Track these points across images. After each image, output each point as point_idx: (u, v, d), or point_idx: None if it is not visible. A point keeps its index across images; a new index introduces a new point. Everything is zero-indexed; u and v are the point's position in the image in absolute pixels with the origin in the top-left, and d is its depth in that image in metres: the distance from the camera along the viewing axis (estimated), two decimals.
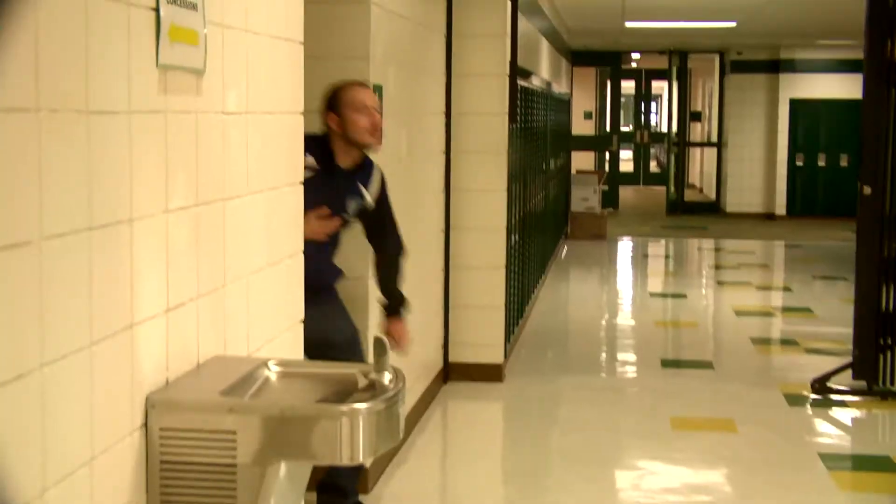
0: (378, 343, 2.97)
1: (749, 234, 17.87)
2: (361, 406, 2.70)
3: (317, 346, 4.53)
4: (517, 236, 8.91)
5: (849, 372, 7.57)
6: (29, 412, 2.13)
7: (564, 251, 15.72)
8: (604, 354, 9.49)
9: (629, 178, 27.44)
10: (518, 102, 8.13)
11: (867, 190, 7.25)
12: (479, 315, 7.88)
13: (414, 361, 6.66)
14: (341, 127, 4.87)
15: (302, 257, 4.01)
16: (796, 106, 20.00)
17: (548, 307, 11.28)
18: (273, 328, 3.71)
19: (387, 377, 2.94)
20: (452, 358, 7.88)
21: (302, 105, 3.97)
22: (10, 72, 2.06)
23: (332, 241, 5.00)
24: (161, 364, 2.74)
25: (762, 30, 16.46)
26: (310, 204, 4.44)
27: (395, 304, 5.27)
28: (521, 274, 9.38)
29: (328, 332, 4.88)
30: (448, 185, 7.71)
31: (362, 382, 2.96)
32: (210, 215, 3.10)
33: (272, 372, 3.01)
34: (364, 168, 5.01)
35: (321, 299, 4.82)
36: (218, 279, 3.17)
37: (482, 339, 7.91)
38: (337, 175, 4.92)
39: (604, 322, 11.11)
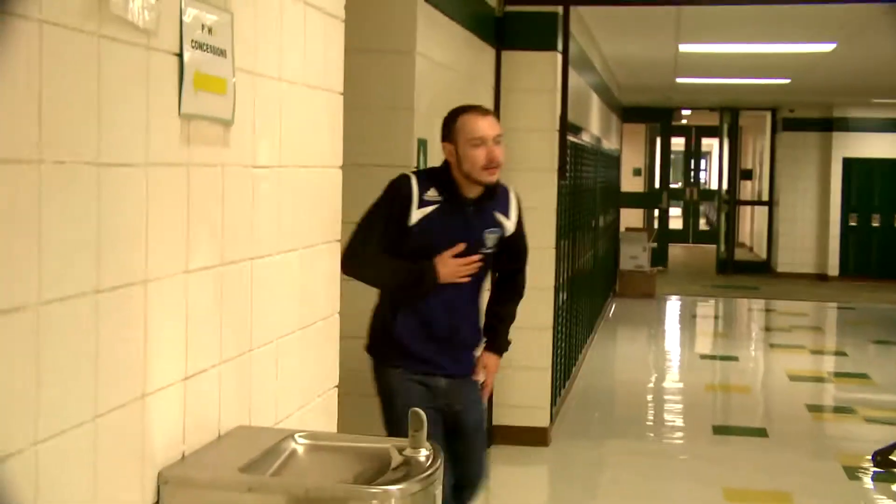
0: (415, 417, 2.74)
1: (801, 296, 17.50)
2: (395, 488, 2.47)
3: (446, 429, 4.48)
4: (565, 295, 8.66)
5: None
6: (19, 494, 1.92)
7: (612, 310, 15.44)
8: (652, 418, 9.19)
9: (678, 236, 27.10)
10: (568, 158, 7.91)
11: None
12: (526, 376, 7.63)
13: None
14: (457, 159, 4.42)
15: (338, 319, 3.80)
16: (849, 165, 19.66)
17: (595, 367, 11.01)
18: (304, 395, 3.49)
19: (423, 454, 2.71)
20: (497, 420, 7.63)
21: (341, 158, 3.78)
22: (7, 119, 1.86)
23: (474, 285, 4.55)
24: (177, 436, 2.52)
25: (815, 87, 16.20)
26: (440, 242, 4.38)
27: (500, 343, 4.82)
28: (568, 334, 9.12)
29: (460, 414, 4.58)
30: None
31: (396, 459, 2.73)
32: (236, 275, 2.89)
33: (299, 445, 2.78)
34: (498, 194, 4.52)
35: (457, 365, 4.58)
36: (244, 343, 2.96)
37: (528, 402, 7.66)
38: (466, 206, 4.44)
39: (652, 384, 10.81)
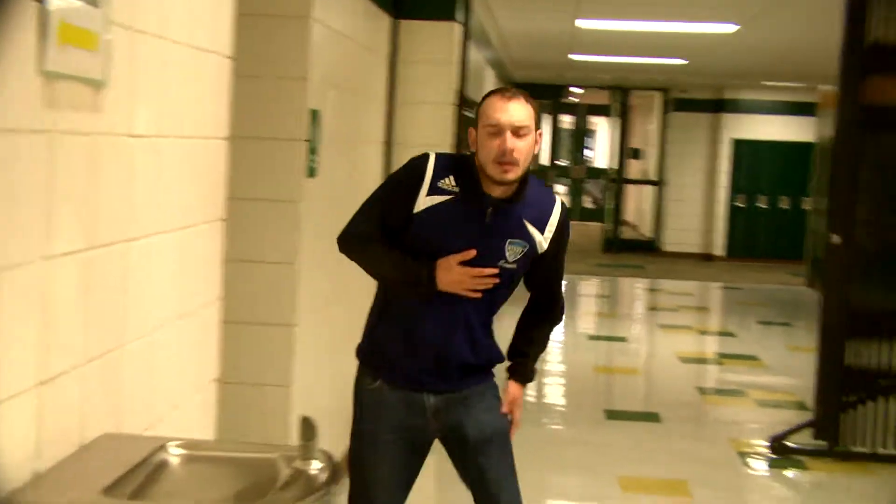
0: (306, 425, 2.42)
1: (687, 275, 17.44)
2: None
3: (454, 457, 3.74)
4: None
5: (808, 430, 7.11)
6: None
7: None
8: (541, 403, 8.94)
9: None
10: (464, 134, 7.61)
11: (836, 239, 6.79)
12: None
13: (341, 407, 6.10)
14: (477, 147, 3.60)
15: (219, 304, 3.45)
16: (738, 146, 19.66)
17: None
18: (181, 393, 3.15)
19: (315, 466, 2.39)
20: None
21: (227, 129, 3.43)
22: None
23: (484, 303, 3.64)
24: (26, 453, 2.16)
25: (711, 69, 16.10)
26: (447, 243, 3.55)
27: (526, 371, 3.88)
28: None
29: (462, 428, 3.69)
30: None
31: (285, 473, 2.40)
32: (106, 260, 2.54)
33: (173, 456, 2.44)
34: (532, 199, 3.63)
35: (449, 381, 3.66)
36: (114, 339, 2.61)
37: None
38: (485, 206, 3.55)
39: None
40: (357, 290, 6.56)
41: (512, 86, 3.61)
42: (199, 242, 3.22)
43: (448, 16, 7.16)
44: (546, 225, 3.63)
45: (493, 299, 3.66)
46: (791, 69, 15.53)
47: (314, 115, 4.88)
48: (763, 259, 19.30)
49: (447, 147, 7.25)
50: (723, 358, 11.00)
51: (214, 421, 3.42)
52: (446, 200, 3.54)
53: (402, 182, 3.64)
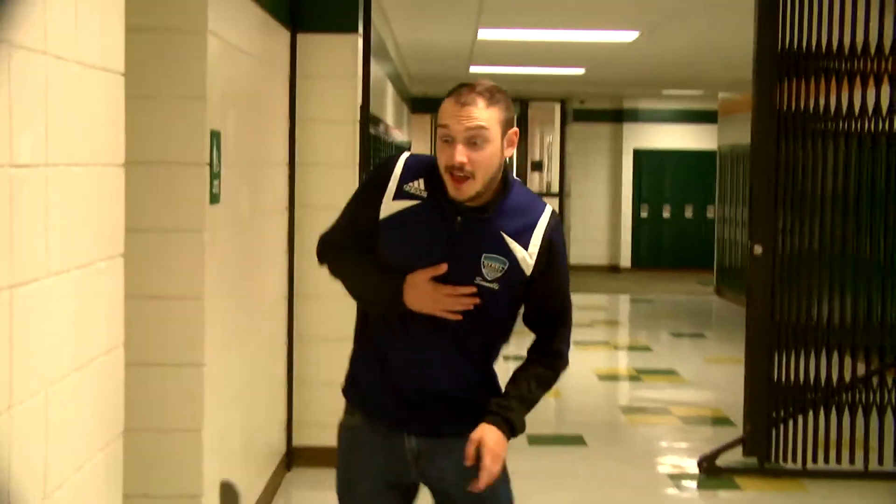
0: (227, 491, 2.06)
1: (596, 288, 17.26)
2: None
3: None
4: None
5: (737, 447, 6.89)
6: None
7: None
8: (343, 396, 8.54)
9: None
10: (369, 152, 7.28)
11: (758, 249, 6.58)
12: (327, 392, 6.96)
13: (254, 444, 5.74)
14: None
15: (122, 351, 3.09)
16: (640, 156, 19.60)
17: None
18: (83, 452, 2.79)
19: None
20: (297, 441, 6.95)
21: (123, 155, 3.08)
22: None
23: (474, 328, 3.16)
24: None
25: (609, 78, 15.99)
26: (412, 255, 3.13)
27: (506, 413, 3.17)
28: None
29: (445, 489, 3.25)
30: (291, 245, 6.81)
31: None
32: None
33: None
34: (513, 209, 3.17)
35: (432, 423, 3.20)
36: None
37: (331, 420, 6.98)
38: (454, 213, 3.12)
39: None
40: (269, 325, 6.21)
41: (484, 83, 3.11)
42: (97, 283, 2.86)
43: (349, 28, 6.82)
44: (530, 238, 3.14)
45: (484, 326, 3.16)
46: (691, 77, 15.48)
47: (215, 137, 4.53)
48: (670, 269, 19.25)
49: (351, 167, 6.92)
50: (641, 374, 10.78)
51: (121, 482, 3.06)
52: (412, 206, 3.14)
53: (369, 184, 3.26)
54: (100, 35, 2.89)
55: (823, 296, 6.76)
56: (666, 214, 19.64)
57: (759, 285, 6.66)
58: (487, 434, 3.12)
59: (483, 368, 3.23)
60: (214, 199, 4.52)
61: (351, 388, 3.35)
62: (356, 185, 6.91)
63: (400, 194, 3.15)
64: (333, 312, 6.88)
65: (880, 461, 6.85)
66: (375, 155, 8.56)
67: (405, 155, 3.24)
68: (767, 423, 6.77)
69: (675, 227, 19.58)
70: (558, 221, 3.23)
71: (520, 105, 20.69)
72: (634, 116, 19.60)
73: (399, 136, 13.23)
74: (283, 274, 6.67)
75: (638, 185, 19.63)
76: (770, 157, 6.56)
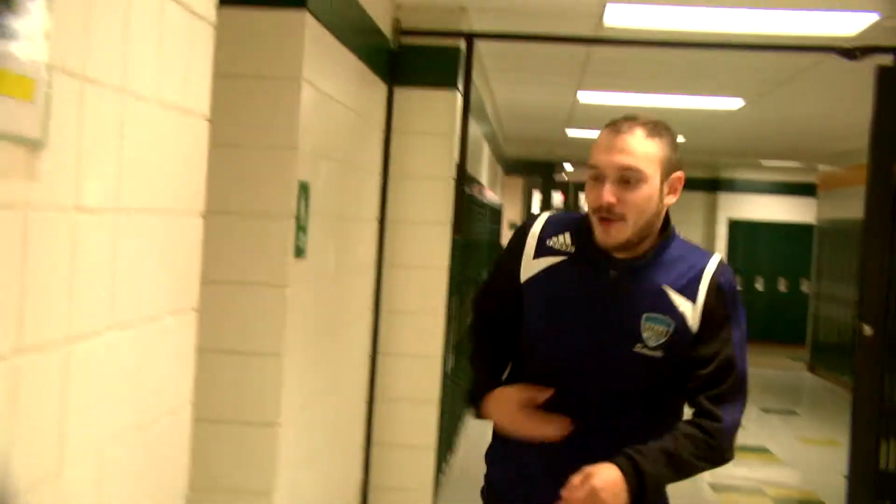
0: None
1: None
2: None
3: None
4: (452, 360, 7.80)
5: None
6: None
7: None
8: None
9: None
10: (464, 211, 7.08)
11: (868, 330, 6.25)
12: (406, 455, 6.76)
13: None
14: None
15: (189, 412, 2.90)
16: (735, 227, 19.25)
17: (477, 437, 10.15)
18: None
19: None
20: None
21: (203, 203, 2.90)
22: None
23: (631, 420, 2.74)
24: None
25: (708, 146, 15.69)
26: (558, 320, 2.79)
27: (638, 461, 2.66)
28: (452, 404, 8.26)
29: None
30: (378, 303, 6.62)
31: None
32: (39, 368, 1.99)
33: None
34: (679, 258, 2.77)
35: None
36: (45, 466, 2.05)
37: (408, 484, 6.77)
38: (607, 267, 2.76)
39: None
40: (349, 384, 6.01)
41: (645, 120, 2.76)
42: (166, 337, 2.67)
43: (448, 84, 6.66)
44: (697, 292, 2.70)
45: (644, 408, 2.71)
46: (791, 149, 15.15)
47: (303, 189, 4.35)
48: (761, 342, 18.79)
49: (444, 225, 6.72)
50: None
51: None
52: (557, 263, 2.79)
53: (507, 248, 2.94)
54: (185, 75, 2.72)
55: None
56: (759, 287, 19.22)
57: (868, 367, 6.32)
58: (603, 469, 2.63)
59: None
60: (299, 252, 4.33)
61: (485, 487, 3.08)
62: (448, 243, 6.73)
63: (542, 251, 2.83)
64: (417, 373, 6.68)
65: None
66: (469, 215, 8.36)
67: (546, 214, 2.97)
68: None
69: (768, 299, 19.14)
70: (728, 268, 2.79)
71: None
72: (731, 186, 19.27)
73: (493, 196, 13.04)
74: (368, 332, 6.48)
75: (731, 255, 19.26)
76: (884, 235, 6.24)
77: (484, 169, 11.10)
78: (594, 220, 2.73)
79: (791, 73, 8.49)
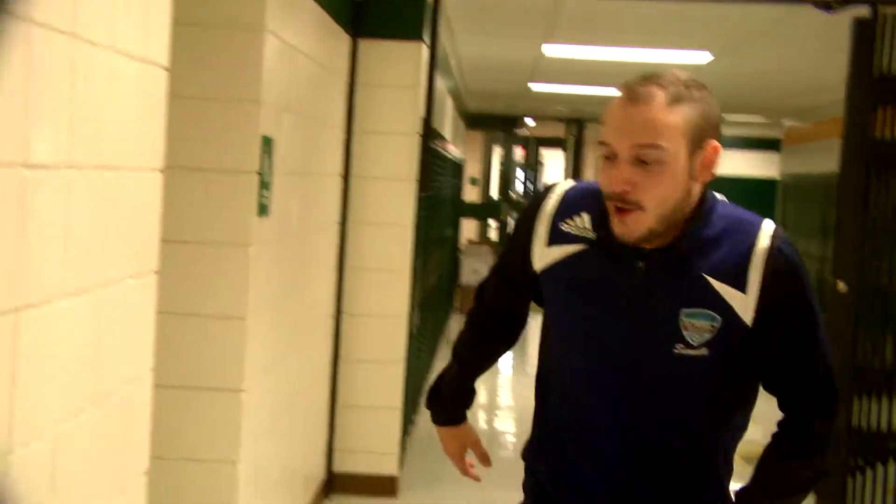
0: None
1: None
2: None
3: None
4: (417, 320, 7.64)
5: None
6: None
7: (454, 329, 14.51)
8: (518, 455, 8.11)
9: None
10: (430, 167, 6.90)
11: (842, 286, 6.12)
12: (372, 417, 6.61)
13: (291, 471, 5.36)
14: None
15: (149, 381, 2.73)
16: None
17: None
18: (101, 495, 2.42)
19: None
20: (337, 467, 6.58)
21: (162, 159, 2.71)
22: None
23: (695, 397, 2.33)
24: None
25: None
26: (584, 323, 2.38)
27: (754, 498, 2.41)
28: (417, 364, 8.11)
29: None
30: (342, 261, 6.44)
31: None
32: None
33: None
34: (720, 238, 2.28)
35: None
36: None
37: (374, 447, 6.62)
38: (632, 257, 2.31)
39: (513, 415, 9.88)
40: (313, 346, 5.84)
41: (652, 76, 2.25)
42: (124, 303, 2.50)
43: (414, 35, 6.46)
44: (747, 275, 2.24)
45: (699, 417, 2.33)
46: (757, 103, 15.04)
47: (267, 144, 4.17)
48: None
49: (409, 181, 6.54)
50: None
51: None
52: (577, 252, 2.35)
53: (517, 226, 2.51)
54: (142, 21, 2.53)
55: None
56: None
57: (841, 325, 6.21)
58: None
59: (716, 450, 2.40)
60: (263, 210, 4.15)
61: (525, 484, 2.69)
62: (413, 200, 6.55)
63: (557, 237, 2.37)
64: (382, 334, 6.53)
65: None
66: (434, 170, 8.18)
67: (564, 184, 2.45)
68: (844, 471, 6.31)
69: None
70: (785, 240, 2.28)
71: (577, 125, 20.30)
72: None
73: (455, 151, 12.88)
74: (332, 292, 6.30)
75: None
76: (859, 188, 6.11)
77: (447, 123, 10.92)
78: (609, 208, 2.25)
79: (762, 26, 8.34)
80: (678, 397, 2.32)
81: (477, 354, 2.78)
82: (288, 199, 4.67)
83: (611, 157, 2.23)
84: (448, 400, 2.80)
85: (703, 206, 2.31)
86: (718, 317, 2.25)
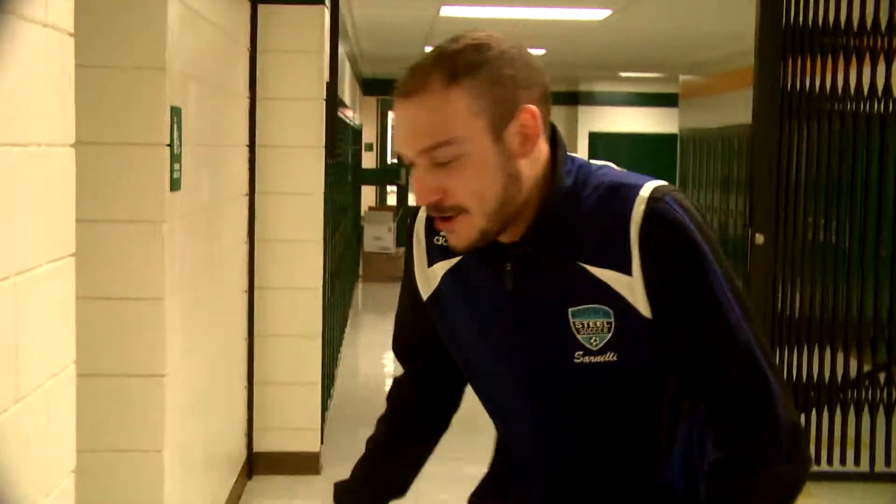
0: None
1: None
2: None
3: None
4: (330, 292, 7.46)
5: None
6: None
7: (360, 298, 14.35)
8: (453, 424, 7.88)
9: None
10: (336, 134, 6.70)
11: (759, 238, 6.08)
12: (291, 393, 6.42)
13: (214, 454, 5.17)
14: None
15: (73, 371, 2.53)
16: (596, 139, 19.16)
17: (357, 370, 9.87)
18: (25, 500, 2.23)
19: None
20: (258, 447, 6.39)
21: (73, 133, 2.50)
22: None
23: (622, 407, 1.93)
24: None
25: (570, 60, 15.50)
26: (468, 345, 2.03)
27: None
28: (331, 337, 7.94)
29: None
30: (252, 234, 6.24)
31: None
32: None
33: None
34: (595, 215, 1.86)
35: None
36: None
37: (295, 423, 6.44)
38: (500, 262, 1.92)
39: None
40: (229, 323, 5.64)
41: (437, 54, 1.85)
42: (43, 290, 2.30)
43: None
44: (630, 254, 1.81)
45: (627, 427, 1.94)
46: (653, 59, 15.07)
47: (175, 114, 3.95)
48: None
49: (316, 149, 6.35)
50: None
51: None
52: (451, 267, 2.00)
53: (405, 266, 2.12)
54: None
55: (828, 288, 6.29)
56: None
57: (760, 277, 6.17)
58: None
59: (661, 452, 1.97)
60: (175, 185, 3.94)
61: None
62: (321, 168, 6.37)
63: (433, 254, 2.02)
64: (297, 307, 6.34)
65: (887, 462, 6.45)
66: (341, 138, 7.99)
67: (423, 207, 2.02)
68: None
69: None
70: (669, 199, 1.82)
71: None
72: (591, 99, 19.17)
73: (354, 117, 12.68)
74: (243, 266, 6.10)
75: None
76: (773, 139, 6.06)
77: (346, 89, 10.72)
78: (435, 220, 1.87)
79: None
80: (600, 412, 1.93)
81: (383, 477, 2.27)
82: (198, 171, 4.47)
83: (412, 165, 1.84)
84: (358, 469, 2.27)
85: (557, 181, 1.86)
86: (609, 310, 1.82)
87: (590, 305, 1.83)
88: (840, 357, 6.40)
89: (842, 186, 6.22)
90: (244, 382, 6.21)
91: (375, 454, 2.25)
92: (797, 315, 6.28)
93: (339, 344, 9.53)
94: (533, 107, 1.82)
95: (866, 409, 6.42)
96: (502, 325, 1.94)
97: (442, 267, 2.01)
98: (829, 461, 6.39)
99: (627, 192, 1.84)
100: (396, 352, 2.24)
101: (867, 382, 6.41)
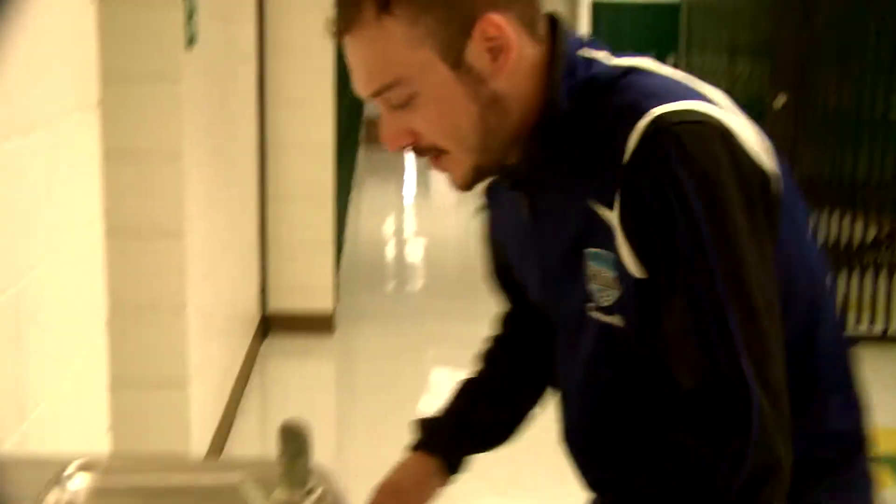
0: (290, 433, 1.48)
1: None
2: None
3: None
4: (339, 151, 7.37)
5: None
6: None
7: (363, 161, 14.26)
8: (459, 285, 7.86)
9: None
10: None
11: (780, 100, 5.95)
12: (304, 252, 6.40)
13: (231, 314, 5.17)
14: None
15: (101, 225, 2.50)
16: (598, 9, 18.81)
17: (367, 231, 9.87)
18: (65, 350, 2.22)
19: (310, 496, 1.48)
20: (272, 308, 6.40)
21: (96, 94, 2.43)
22: None
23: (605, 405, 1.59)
24: None
25: None
26: (533, 285, 1.71)
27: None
28: (340, 195, 7.89)
29: None
30: (262, 93, 6.16)
31: None
32: None
33: (79, 486, 1.52)
34: (599, 136, 1.46)
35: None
36: None
37: (309, 281, 6.43)
38: (521, 194, 1.62)
39: (450, 243, 9.74)
40: (242, 183, 5.61)
41: None
42: (72, 142, 2.26)
43: None
44: (614, 191, 1.43)
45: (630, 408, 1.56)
46: None
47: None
48: None
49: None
50: None
51: (107, 362, 2.51)
52: (496, 202, 1.77)
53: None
54: None
55: (847, 152, 6.22)
56: None
57: (779, 139, 6.09)
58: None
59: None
60: (191, 41, 3.86)
61: None
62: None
63: (487, 194, 1.79)
64: (308, 167, 6.30)
65: None
66: None
67: None
68: None
69: None
70: (666, 132, 1.39)
71: None
72: None
73: None
74: (254, 124, 6.03)
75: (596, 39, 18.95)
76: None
77: None
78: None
79: None
80: (610, 380, 1.58)
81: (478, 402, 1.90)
82: (214, 28, 4.38)
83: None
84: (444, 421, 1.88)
85: (551, 104, 1.51)
86: (612, 253, 1.46)
87: (601, 251, 1.47)
88: (860, 221, 6.38)
89: (867, 51, 6.08)
90: (257, 242, 6.19)
91: (471, 395, 1.90)
92: (818, 179, 6.22)
93: (346, 207, 9.50)
94: (494, 14, 1.45)
95: (884, 271, 6.41)
96: (528, 259, 1.68)
97: (490, 213, 1.79)
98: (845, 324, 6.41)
99: (633, 118, 1.42)
100: (489, 281, 1.90)
101: (886, 246, 6.39)
